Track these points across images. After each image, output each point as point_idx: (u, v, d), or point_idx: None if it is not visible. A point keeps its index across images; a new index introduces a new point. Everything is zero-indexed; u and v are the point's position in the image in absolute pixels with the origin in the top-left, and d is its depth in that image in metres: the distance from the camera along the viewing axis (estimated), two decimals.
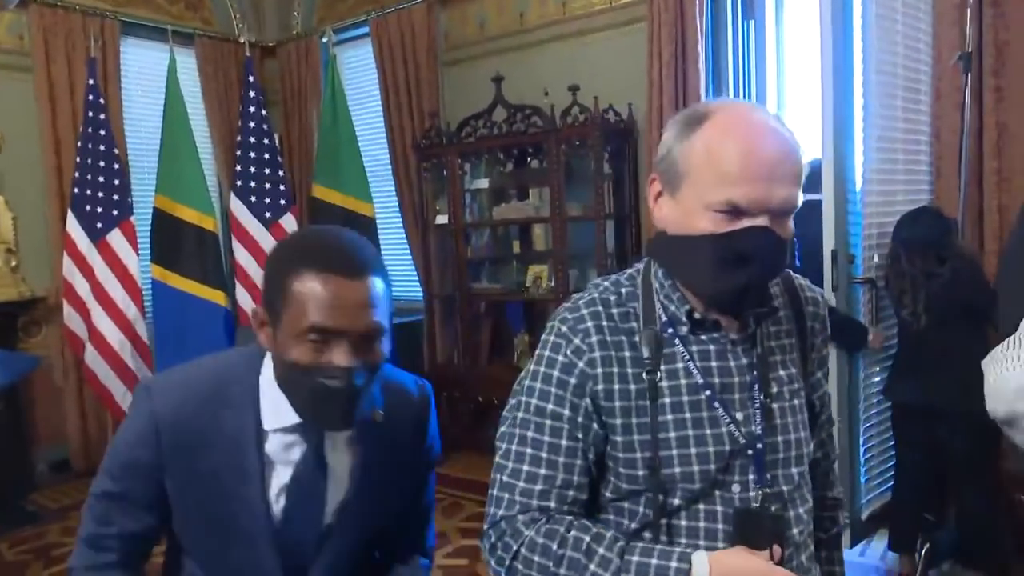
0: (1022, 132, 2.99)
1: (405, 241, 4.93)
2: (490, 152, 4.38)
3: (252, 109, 4.46)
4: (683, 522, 0.98)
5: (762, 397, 1.00)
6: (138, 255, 4.23)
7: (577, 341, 0.99)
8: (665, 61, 3.77)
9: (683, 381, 0.98)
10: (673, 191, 0.98)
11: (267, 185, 4.45)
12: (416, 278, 4.89)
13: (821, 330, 1.12)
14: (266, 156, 4.47)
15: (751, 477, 0.98)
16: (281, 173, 4.54)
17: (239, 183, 4.42)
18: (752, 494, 0.98)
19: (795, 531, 1.02)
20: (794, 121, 3.57)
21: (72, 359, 4.50)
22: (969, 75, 2.91)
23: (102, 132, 4.18)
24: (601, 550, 0.92)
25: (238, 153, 4.47)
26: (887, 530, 3.01)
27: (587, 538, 0.93)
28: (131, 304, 4.17)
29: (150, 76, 5.05)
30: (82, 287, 4.13)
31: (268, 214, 4.43)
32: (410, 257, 4.92)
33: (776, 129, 0.94)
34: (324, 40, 4.93)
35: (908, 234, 2.77)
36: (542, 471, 0.98)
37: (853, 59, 3.35)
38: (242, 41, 4.86)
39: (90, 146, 4.16)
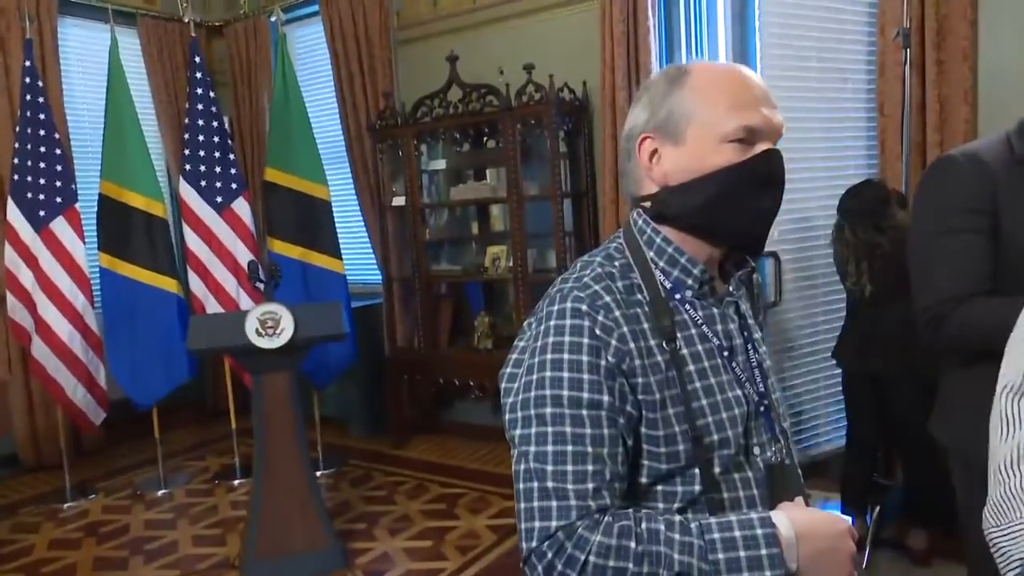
0: (963, 105, 3.08)
1: (362, 224, 4.88)
2: (446, 132, 4.34)
3: (200, 91, 4.33)
4: (724, 494, 0.94)
5: (755, 355, 1.04)
6: (85, 243, 4.10)
7: (601, 318, 0.92)
8: (617, 39, 3.78)
9: (700, 347, 0.98)
10: (676, 140, 0.98)
11: (217, 169, 4.34)
12: (374, 261, 4.85)
13: (759, 294, 1.19)
14: (216, 139, 4.35)
15: (766, 436, 1.00)
16: (232, 157, 4.43)
17: (188, 167, 4.31)
18: (770, 453, 0.99)
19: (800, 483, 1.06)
20: None
21: (17, 351, 4.36)
22: (909, 50, 2.98)
23: (41, 116, 4.03)
24: (678, 536, 0.85)
25: (186, 137, 4.35)
26: (838, 494, 3.11)
27: (662, 527, 0.85)
28: (79, 294, 4.05)
29: (91, 57, 4.89)
30: (26, 277, 3.99)
31: (219, 199, 4.33)
32: (367, 240, 4.88)
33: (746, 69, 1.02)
34: (273, 19, 4.82)
35: (849, 205, 2.86)
36: (590, 467, 0.88)
37: (755, 43, 3.56)
38: (187, 21, 4.71)
39: (29, 131, 4.00)
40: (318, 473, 4.14)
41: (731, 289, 1.05)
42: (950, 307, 1.37)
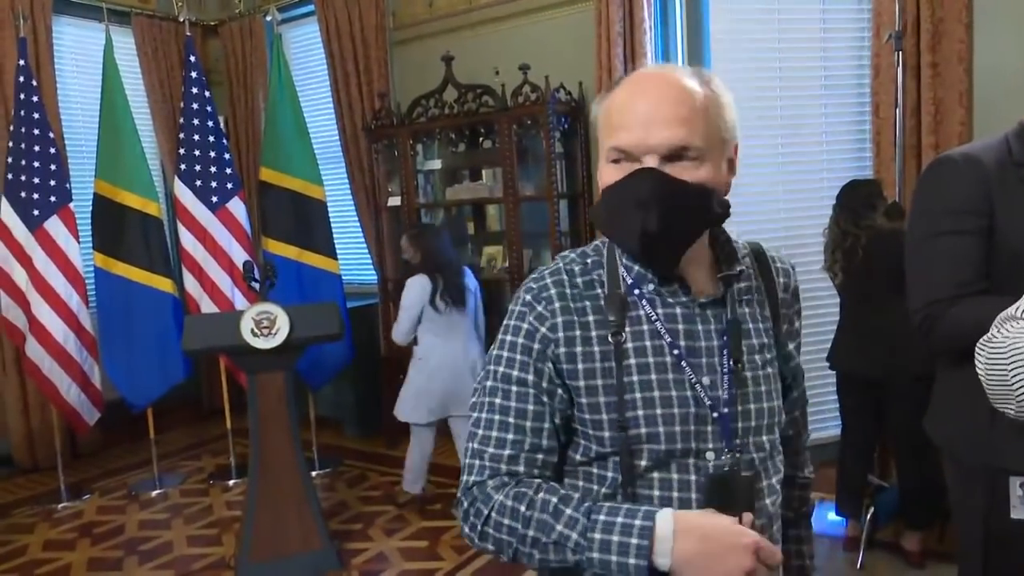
0: (959, 108, 3.09)
1: (358, 224, 4.87)
2: (442, 132, 4.34)
3: (195, 90, 4.32)
4: (656, 492, 0.98)
5: (731, 362, 1.00)
6: (79, 242, 4.09)
7: (540, 308, 1.01)
8: (613, 39, 3.78)
9: (649, 343, 0.99)
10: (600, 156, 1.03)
11: (213, 169, 4.33)
12: (370, 261, 4.85)
13: (792, 302, 1.12)
14: (211, 139, 4.35)
15: (722, 444, 0.98)
16: (227, 156, 4.42)
17: (183, 167, 4.30)
18: (720, 461, 0.98)
19: (767, 501, 1.02)
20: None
21: (12, 351, 4.35)
22: (901, 52, 2.99)
23: (35, 115, 4.01)
24: (568, 510, 0.93)
25: (181, 136, 4.34)
26: (834, 495, 3.12)
27: (555, 499, 0.94)
28: (73, 293, 4.04)
29: (86, 56, 4.87)
30: (20, 276, 3.97)
31: (215, 198, 4.32)
32: (363, 240, 4.87)
33: (666, 77, 0.97)
34: (268, 19, 4.81)
35: (840, 200, 2.97)
36: (510, 436, 1.00)
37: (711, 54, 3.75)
38: (182, 20, 4.69)
39: (23, 130, 3.98)
40: (313, 473, 4.13)
41: (720, 290, 1.02)
42: (944, 307, 1.37)
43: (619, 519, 0.90)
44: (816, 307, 3.67)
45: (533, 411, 1.00)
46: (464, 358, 3.53)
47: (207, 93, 4.36)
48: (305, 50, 5.27)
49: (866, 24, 3.41)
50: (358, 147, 4.77)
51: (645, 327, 0.99)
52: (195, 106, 4.31)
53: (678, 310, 1.00)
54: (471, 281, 3.62)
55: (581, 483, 1.02)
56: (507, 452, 0.99)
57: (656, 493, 0.97)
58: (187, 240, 4.29)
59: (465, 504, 1.00)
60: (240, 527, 3.26)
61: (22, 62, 4.02)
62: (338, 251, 4.49)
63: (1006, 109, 2.97)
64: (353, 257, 5.14)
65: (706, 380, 0.98)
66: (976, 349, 1.12)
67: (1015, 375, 1.04)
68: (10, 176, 3.98)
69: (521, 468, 0.99)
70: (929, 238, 1.43)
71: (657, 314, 1.00)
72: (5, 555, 3.48)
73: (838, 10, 3.60)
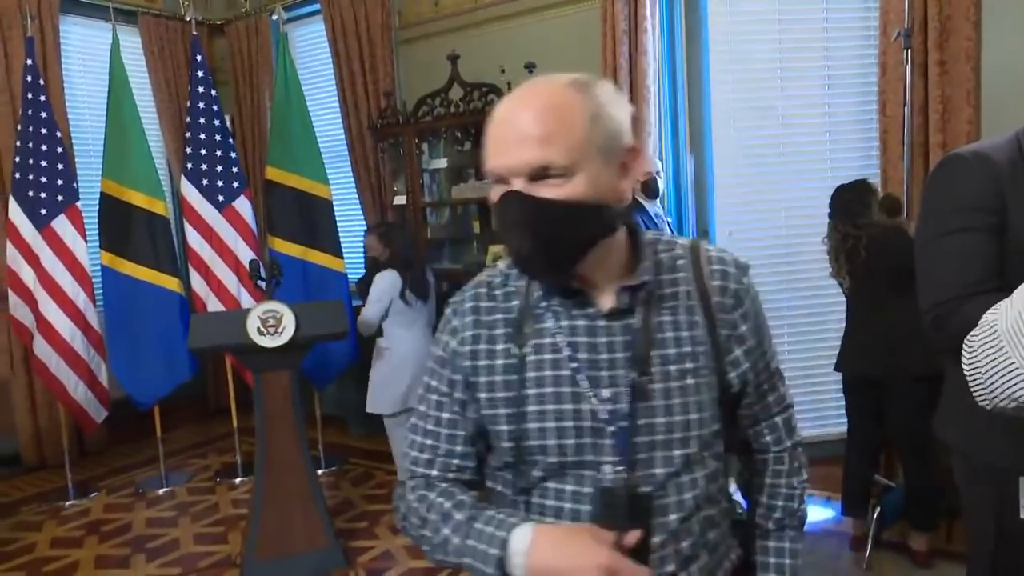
0: (966, 106, 3.08)
1: (363, 222, 4.88)
2: (447, 131, 4.34)
3: (201, 89, 4.33)
4: (550, 501, 1.00)
5: (635, 375, 0.97)
6: (86, 241, 4.10)
7: (455, 322, 1.06)
8: (618, 38, 3.77)
9: (548, 356, 0.99)
10: None
11: (219, 168, 4.34)
12: None
13: (732, 305, 1.03)
14: (217, 138, 4.36)
15: (618, 457, 0.96)
16: (233, 155, 4.43)
17: (190, 166, 4.31)
18: (614, 475, 0.97)
19: (673, 517, 0.98)
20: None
21: (20, 349, 4.37)
22: (910, 51, 2.97)
23: (43, 114, 4.03)
24: (457, 516, 0.99)
25: (188, 135, 4.35)
26: (839, 495, 3.11)
27: (448, 504, 1.01)
28: (80, 292, 4.05)
29: (93, 56, 4.89)
30: (28, 275, 3.99)
31: (221, 197, 4.33)
32: None
33: (533, 93, 0.95)
34: (274, 18, 4.81)
35: (832, 205, 2.95)
36: (428, 442, 1.07)
37: (709, 67, 3.83)
38: (188, 19, 4.71)
39: (30, 129, 4.00)
40: (319, 472, 4.14)
41: (624, 303, 0.99)
42: (954, 306, 1.36)
43: (488, 528, 0.95)
44: (820, 308, 3.68)
45: (448, 419, 1.06)
46: (427, 349, 3.55)
47: (213, 92, 4.37)
48: (311, 49, 5.27)
49: (872, 22, 3.40)
50: (364, 146, 4.77)
51: (547, 340, 1.00)
52: (201, 105, 4.32)
53: (581, 322, 0.99)
54: (430, 276, 3.75)
55: (499, 487, 1.07)
56: (424, 456, 1.07)
57: (551, 503, 1.00)
58: (193, 239, 4.30)
59: (395, 499, 1.10)
60: (246, 525, 3.27)
61: (29, 61, 4.03)
62: (344, 250, 4.50)
63: (1014, 107, 2.97)
64: (359, 256, 5.14)
65: (605, 393, 0.97)
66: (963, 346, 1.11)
67: (989, 373, 1.01)
68: (18, 175, 4.00)
69: (434, 472, 1.06)
70: (937, 237, 1.42)
71: (561, 327, 1.00)
72: (13, 552, 3.50)
73: (841, 9, 3.59)
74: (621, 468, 0.96)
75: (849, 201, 2.88)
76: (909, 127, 3.05)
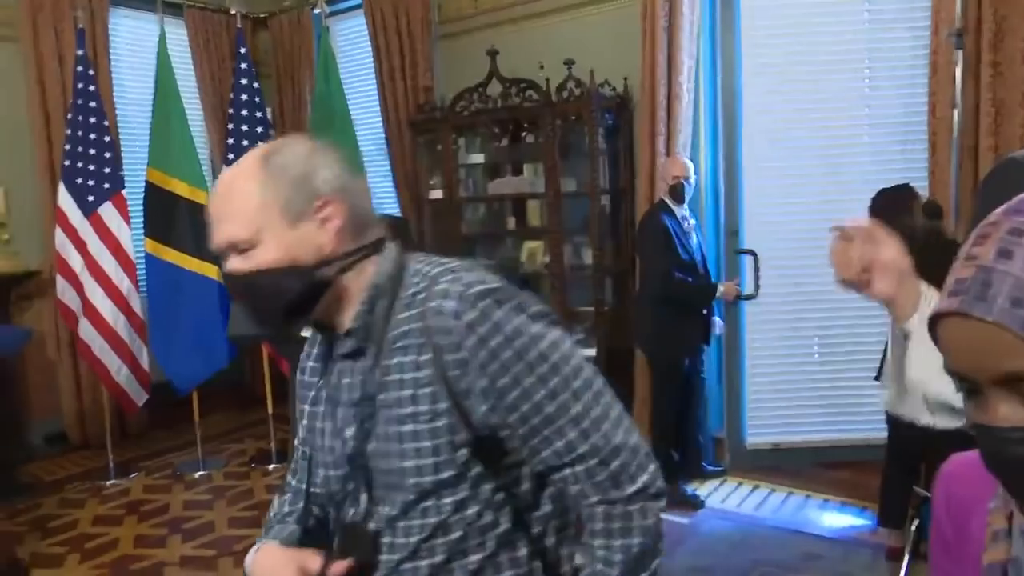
0: (1020, 109, 2.98)
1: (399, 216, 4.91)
2: (485, 127, 4.34)
3: (244, 81, 4.40)
4: (331, 525, 1.09)
5: (363, 417, 1.00)
6: (131, 228, 4.20)
7: (307, 348, 1.17)
8: (658, 35, 3.73)
9: (324, 392, 1.08)
10: None
11: None
12: None
13: (456, 345, 0.92)
14: (258, 129, 4.42)
15: (360, 494, 1.02)
16: None
17: (232, 157, 4.38)
18: (353, 511, 1.03)
19: (395, 556, 0.99)
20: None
21: (66, 333, 4.49)
22: (962, 51, 2.89)
23: (92, 104, 4.13)
24: (272, 525, 1.14)
25: (230, 126, 4.42)
26: (876, 505, 3.05)
27: (271, 513, 1.17)
28: (124, 277, 4.15)
29: (140, 47, 5.00)
30: (75, 261, 4.11)
31: None
32: None
33: (226, 176, 1.02)
34: (317, 11, 4.86)
35: (875, 203, 2.86)
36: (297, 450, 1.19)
37: (742, 66, 3.77)
38: (233, 12, 4.78)
39: (80, 118, 4.11)
40: None
41: (351, 346, 1.01)
42: None
43: (260, 542, 1.09)
44: (853, 311, 3.58)
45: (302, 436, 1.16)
46: None
47: (256, 85, 4.43)
48: (352, 43, 5.32)
49: (918, 20, 3.31)
50: (402, 140, 4.80)
51: (332, 377, 1.07)
52: (244, 97, 4.39)
53: (336, 362, 1.06)
54: None
55: None
56: (292, 466, 1.19)
57: (332, 527, 1.09)
58: None
59: None
60: None
61: (80, 52, 4.14)
62: None
63: None
64: None
65: (348, 432, 1.02)
66: None
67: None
68: (67, 162, 4.11)
69: (290, 479, 1.19)
70: None
71: (337, 366, 1.06)
72: (58, 527, 3.62)
73: (883, 7, 3.50)
74: (366, 504, 1.02)
75: (888, 204, 2.79)
76: (959, 129, 2.97)
